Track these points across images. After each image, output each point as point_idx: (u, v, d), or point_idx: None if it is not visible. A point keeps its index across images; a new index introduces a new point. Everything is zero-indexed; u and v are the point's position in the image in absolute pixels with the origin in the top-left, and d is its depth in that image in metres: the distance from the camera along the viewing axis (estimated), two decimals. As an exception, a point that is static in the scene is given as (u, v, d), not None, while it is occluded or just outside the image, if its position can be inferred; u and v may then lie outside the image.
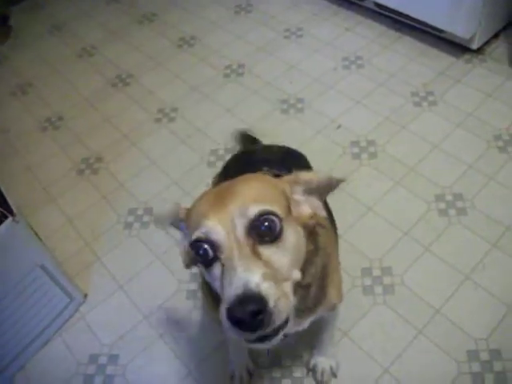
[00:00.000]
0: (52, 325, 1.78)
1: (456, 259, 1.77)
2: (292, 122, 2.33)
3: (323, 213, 0.92)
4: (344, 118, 2.32)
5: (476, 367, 1.53)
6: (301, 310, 1.02)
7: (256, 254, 0.77)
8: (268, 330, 0.74)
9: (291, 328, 1.04)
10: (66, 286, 1.79)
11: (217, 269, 0.81)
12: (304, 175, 0.91)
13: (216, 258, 0.80)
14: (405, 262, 1.79)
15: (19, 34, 3.30)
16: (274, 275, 0.76)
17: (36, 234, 1.71)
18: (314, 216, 0.90)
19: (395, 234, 1.87)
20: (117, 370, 1.68)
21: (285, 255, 0.81)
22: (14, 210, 1.52)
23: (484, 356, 1.55)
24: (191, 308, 1.78)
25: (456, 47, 2.52)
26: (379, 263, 1.80)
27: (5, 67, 3.06)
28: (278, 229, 0.80)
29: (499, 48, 2.52)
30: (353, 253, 1.83)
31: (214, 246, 0.80)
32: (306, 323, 1.11)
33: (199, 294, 1.78)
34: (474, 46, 2.44)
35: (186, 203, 0.97)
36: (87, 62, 2.97)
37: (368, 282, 1.76)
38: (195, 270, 1.55)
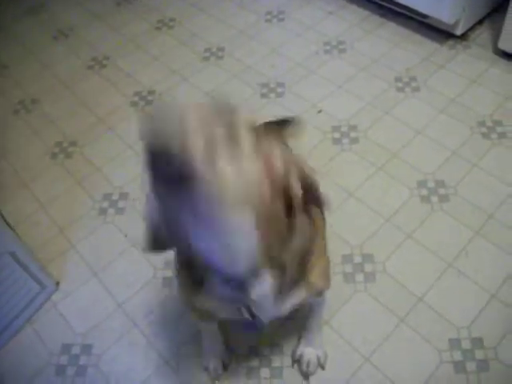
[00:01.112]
0: (22, 314, 1.71)
1: (439, 247, 1.74)
2: (272, 107, 2.28)
3: (298, 190, 0.84)
4: (325, 102, 2.27)
5: (458, 356, 1.51)
6: (280, 289, 0.98)
7: None
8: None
9: (270, 311, 1.04)
10: (37, 273, 1.72)
11: None
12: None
13: None
14: (386, 249, 1.76)
15: (-8, 15, 3.20)
16: None
17: (5, 220, 1.64)
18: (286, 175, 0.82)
19: (377, 220, 1.84)
20: (90, 359, 1.63)
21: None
22: (-19, 194, 1.46)
23: (466, 344, 1.52)
24: (167, 296, 1.73)
25: (440, 33, 2.49)
26: (360, 250, 1.77)
27: (-23, 49, 2.96)
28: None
29: (483, 34, 2.49)
30: (333, 239, 1.79)
31: None
32: (285, 307, 1.07)
33: (175, 282, 1.72)
34: (458, 32, 2.41)
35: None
36: (63, 43, 2.88)
37: (349, 269, 1.73)
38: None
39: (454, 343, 1.53)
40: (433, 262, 1.71)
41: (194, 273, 1.00)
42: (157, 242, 0.92)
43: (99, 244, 1.90)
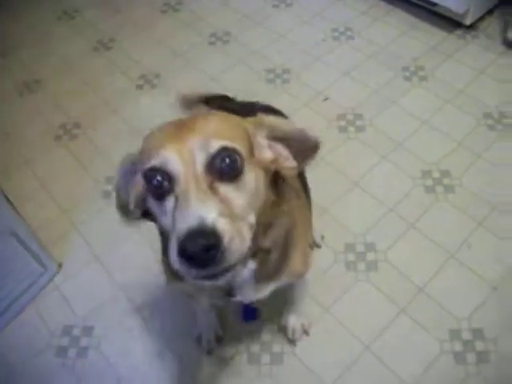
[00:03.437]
0: (24, 295, 1.72)
1: (441, 237, 1.74)
2: (277, 93, 2.26)
3: (291, 163, 0.87)
4: (331, 90, 2.26)
5: (458, 346, 1.51)
6: (261, 276, 1.00)
7: (213, 190, 0.73)
8: (219, 268, 0.70)
9: (251, 295, 1.05)
10: (39, 254, 1.72)
11: (170, 202, 0.75)
12: (269, 119, 0.86)
13: (170, 191, 0.76)
14: (389, 238, 1.76)
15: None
16: (231, 214, 0.72)
17: (8, 199, 1.64)
18: (275, 161, 0.86)
19: (380, 209, 1.83)
20: (91, 341, 1.64)
21: (242, 195, 0.76)
22: (-16, 174, 1.45)
23: (466, 335, 1.53)
24: (169, 280, 1.73)
25: (449, 22, 2.46)
26: (363, 239, 1.76)
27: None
28: (238, 167, 0.76)
29: (492, 25, 2.47)
30: (336, 227, 1.80)
31: (169, 177, 0.75)
32: (266, 291, 1.08)
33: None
34: (467, 22, 2.39)
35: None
36: (68, 25, 2.86)
37: (351, 257, 1.72)
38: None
39: (455, 334, 1.53)
40: (435, 253, 1.71)
41: None
42: (123, 210, 0.96)
43: (102, 227, 1.90)
